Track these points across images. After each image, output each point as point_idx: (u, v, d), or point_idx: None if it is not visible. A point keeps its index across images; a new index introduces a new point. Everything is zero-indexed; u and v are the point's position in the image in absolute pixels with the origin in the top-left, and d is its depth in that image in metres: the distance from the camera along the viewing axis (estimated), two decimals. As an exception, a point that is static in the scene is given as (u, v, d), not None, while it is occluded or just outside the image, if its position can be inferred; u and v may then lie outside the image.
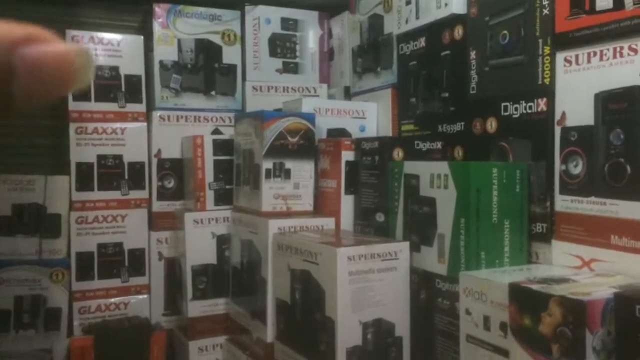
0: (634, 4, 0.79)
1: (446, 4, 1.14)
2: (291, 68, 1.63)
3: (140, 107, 1.47)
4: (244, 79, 1.56)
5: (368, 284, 0.97)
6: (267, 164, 1.21)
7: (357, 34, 1.51)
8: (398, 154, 1.13)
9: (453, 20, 1.14)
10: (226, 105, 1.54)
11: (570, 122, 0.89)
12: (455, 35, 1.14)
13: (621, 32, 0.81)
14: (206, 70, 1.51)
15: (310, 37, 1.65)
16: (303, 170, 1.25)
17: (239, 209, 1.33)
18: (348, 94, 1.56)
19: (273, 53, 1.60)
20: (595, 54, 0.85)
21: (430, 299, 0.98)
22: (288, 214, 1.22)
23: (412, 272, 1.01)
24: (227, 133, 1.48)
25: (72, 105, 1.42)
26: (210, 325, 1.37)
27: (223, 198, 1.39)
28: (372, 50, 1.44)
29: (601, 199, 0.84)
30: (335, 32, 1.66)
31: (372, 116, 1.41)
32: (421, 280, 1.00)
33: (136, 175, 1.47)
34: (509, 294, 0.77)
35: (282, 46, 1.61)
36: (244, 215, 1.28)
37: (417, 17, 1.24)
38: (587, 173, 0.86)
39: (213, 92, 1.52)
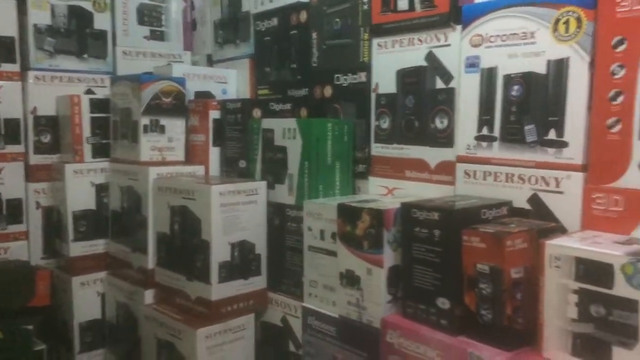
0: (421, 7, 1.14)
1: (294, -8, 1.42)
2: (158, 35, 1.81)
3: (15, 67, 1.57)
4: (114, 44, 1.72)
5: (235, 214, 1.25)
6: (145, 121, 1.42)
7: (218, 8, 1.74)
8: (257, 113, 1.41)
9: (299, 6, 1.42)
10: (98, 67, 1.69)
11: (381, 90, 1.23)
12: (301, 19, 1.43)
13: (413, 27, 1.15)
14: (78, 34, 1.65)
15: (174, 8, 1.85)
16: (176, 127, 1.47)
17: (117, 160, 1.52)
18: (210, 61, 1.79)
19: (141, 21, 1.77)
20: (397, 41, 1.19)
21: (282, 223, 1.29)
22: (164, 163, 1.45)
23: (269, 204, 1.31)
24: (100, 93, 1.64)
25: (-56, 62, 1.48)
26: (91, 263, 1.55)
27: (100, 151, 1.56)
28: (232, 24, 1.69)
29: (400, 145, 1.20)
30: (197, 4, 1.87)
31: (233, 81, 1.66)
32: (275, 210, 1.30)
33: (12, 130, 1.57)
34: (337, 212, 1.09)
35: (149, 15, 1.79)
36: (123, 165, 1.48)
37: (271, 1, 1.51)
38: (391, 127, 1.21)
39: (85, 55, 1.66)
